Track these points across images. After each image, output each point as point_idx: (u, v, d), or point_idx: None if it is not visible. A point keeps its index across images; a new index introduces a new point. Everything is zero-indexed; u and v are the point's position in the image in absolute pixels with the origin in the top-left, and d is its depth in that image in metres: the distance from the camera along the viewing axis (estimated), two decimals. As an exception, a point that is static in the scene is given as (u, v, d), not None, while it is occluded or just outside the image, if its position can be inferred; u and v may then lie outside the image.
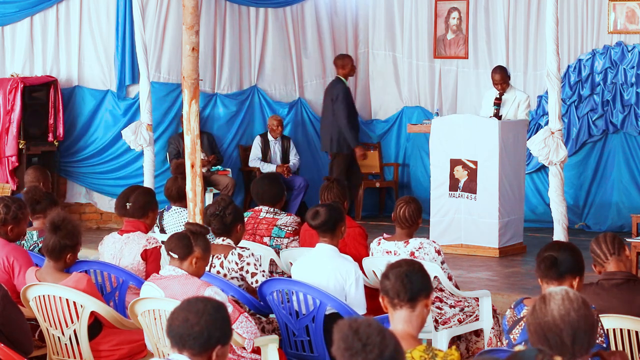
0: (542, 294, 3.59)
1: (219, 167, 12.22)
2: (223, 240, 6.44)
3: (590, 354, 3.59)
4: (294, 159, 12.67)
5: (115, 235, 7.08)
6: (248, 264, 6.29)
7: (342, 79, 12.01)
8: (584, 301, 3.58)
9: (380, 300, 4.13)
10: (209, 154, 12.11)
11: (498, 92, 10.83)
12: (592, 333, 3.55)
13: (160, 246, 6.99)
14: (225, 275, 6.30)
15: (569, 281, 4.75)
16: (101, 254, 7.14)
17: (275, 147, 12.62)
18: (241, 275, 6.33)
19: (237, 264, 6.29)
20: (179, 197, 8.13)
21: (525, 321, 3.58)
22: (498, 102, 10.71)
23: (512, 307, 4.83)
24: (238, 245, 6.50)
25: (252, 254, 6.35)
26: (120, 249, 6.96)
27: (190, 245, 5.69)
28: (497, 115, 10.57)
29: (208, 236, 5.92)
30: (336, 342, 3.14)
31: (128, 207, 7.11)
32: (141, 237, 6.95)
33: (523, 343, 4.50)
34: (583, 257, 4.90)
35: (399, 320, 4.07)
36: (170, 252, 5.74)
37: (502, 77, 10.84)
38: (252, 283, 6.31)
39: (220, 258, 6.31)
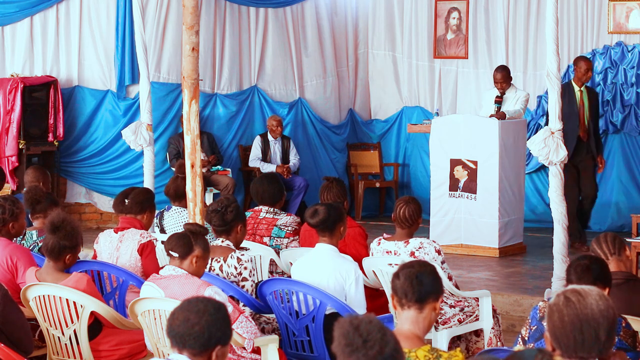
0: (573, 288, 3.57)
1: (219, 167, 12.21)
2: (222, 241, 6.39)
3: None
4: (294, 159, 12.66)
5: (111, 233, 7.08)
6: (245, 268, 6.24)
7: (572, 83, 10.73)
8: None
9: (390, 298, 4.14)
10: (209, 154, 12.10)
11: (498, 91, 10.81)
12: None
13: (154, 239, 7.00)
14: (224, 279, 6.27)
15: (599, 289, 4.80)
16: (98, 253, 7.14)
17: (275, 147, 12.61)
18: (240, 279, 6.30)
19: (236, 268, 6.24)
20: (176, 196, 8.12)
21: (548, 310, 3.55)
22: (499, 100, 10.69)
23: (546, 299, 4.86)
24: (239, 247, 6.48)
25: (251, 259, 6.31)
26: (116, 247, 6.97)
27: (190, 244, 5.68)
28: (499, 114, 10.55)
29: (207, 237, 5.91)
30: (337, 339, 3.14)
31: (126, 202, 7.12)
32: (135, 233, 6.97)
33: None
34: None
35: (405, 320, 4.08)
36: (170, 252, 5.73)
37: (503, 77, 10.80)
38: (240, 286, 6.26)
39: (219, 261, 6.26)
